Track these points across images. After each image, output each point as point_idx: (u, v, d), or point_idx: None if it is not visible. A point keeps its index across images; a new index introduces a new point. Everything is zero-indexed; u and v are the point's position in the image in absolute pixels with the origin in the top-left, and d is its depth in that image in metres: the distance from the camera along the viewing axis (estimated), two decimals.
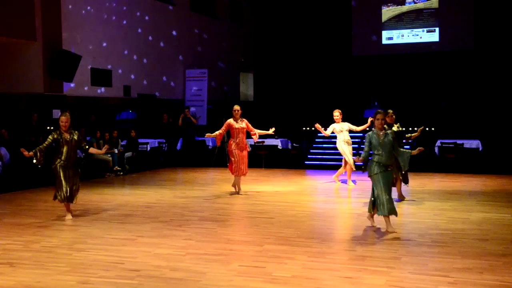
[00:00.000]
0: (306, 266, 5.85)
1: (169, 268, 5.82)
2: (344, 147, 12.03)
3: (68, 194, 8.46)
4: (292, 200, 10.19)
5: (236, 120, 10.78)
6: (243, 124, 10.80)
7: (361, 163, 7.66)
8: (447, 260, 5.98)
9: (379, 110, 7.66)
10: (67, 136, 8.45)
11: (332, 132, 12.17)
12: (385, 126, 7.63)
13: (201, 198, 10.55)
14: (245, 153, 10.83)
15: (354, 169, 11.95)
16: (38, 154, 8.31)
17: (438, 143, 15.23)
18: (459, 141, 14.91)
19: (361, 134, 14.61)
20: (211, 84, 20.49)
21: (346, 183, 12.24)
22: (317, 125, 12.16)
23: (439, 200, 9.93)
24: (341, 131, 12.02)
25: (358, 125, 12.14)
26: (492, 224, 7.82)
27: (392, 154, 7.45)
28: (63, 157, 8.46)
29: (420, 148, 7.71)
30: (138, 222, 8.21)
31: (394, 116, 9.72)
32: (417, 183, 12.35)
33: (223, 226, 8.15)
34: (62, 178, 8.44)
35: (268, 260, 6.06)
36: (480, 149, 14.94)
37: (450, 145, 14.88)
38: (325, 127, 12.33)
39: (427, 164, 14.90)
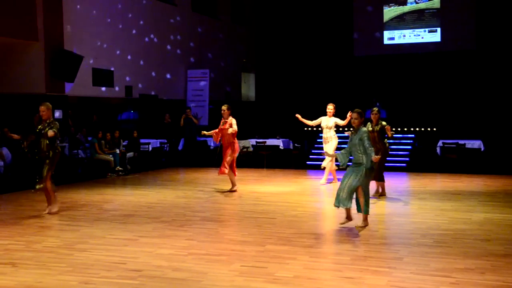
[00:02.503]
0: (308, 266, 5.84)
1: (171, 268, 5.82)
2: (323, 146, 12.31)
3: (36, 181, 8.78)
4: (293, 200, 10.18)
5: (223, 121, 10.89)
6: (227, 125, 10.87)
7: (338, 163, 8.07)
8: (449, 261, 5.97)
9: (356, 109, 7.79)
10: (44, 127, 8.77)
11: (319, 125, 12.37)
12: (368, 123, 7.75)
13: (203, 198, 10.55)
14: (226, 153, 10.88)
15: (326, 167, 12.22)
16: (25, 140, 8.99)
17: (440, 143, 15.21)
18: (461, 141, 14.89)
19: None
20: (213, 84, 20.50)
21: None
22: (298, 116, 12.40)
23: (440, 201, 9.92)
24: (323, 128, 12.17)
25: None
26: (494, 225, 7.82)
27: (359, 152, 7.53)
28: (39, 147, 8.80)
29: (376, 156, 7.56)
30: (140, 222, 8.21)
31: (378, 115, 10.07)
32: (418, 183, 12.36)
33: (224, 226, 8.15)
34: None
35: (269, 260, 6.05)
36: (482, 149, 14.92)
37: (452, 146, 14.86)
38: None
39: (429, 164, 14.90)
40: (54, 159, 8.82)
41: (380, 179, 10.08)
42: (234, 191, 11.15)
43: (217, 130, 11.10)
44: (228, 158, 10.89)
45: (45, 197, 9.04)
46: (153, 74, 18.50)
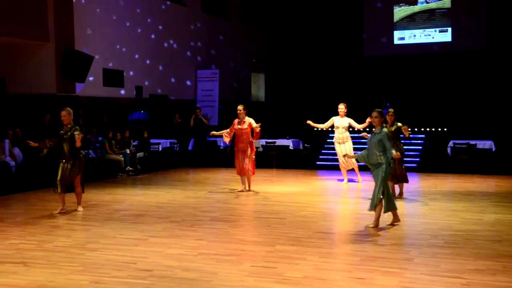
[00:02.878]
0: (318, 267, 5.84)
1: (180, 268, 5.84)
2: (336, 146, 12.27)
3: (60, 184, 8.89)
4: (303, 200, 10.17)
5: (239, 120, 10.88)
6: (245, 125, 10.88)
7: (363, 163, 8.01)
8: (460, 262, 5.94)
9: (376, 109, 7.82)
10: (65, 131, 8.92)
11: (332, 126, 12.30)
12: (384, 124, 7.78)
13: (213, 198, 10.56)
14: (246, 153, 10.88)
15: (346, 168, 12.23)
16: (43, 146, 8.95)
17: (450, 143, 15.12)
18: (472, 142, 14.80)
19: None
20: (223, 84, 20.52)
21: (353, 181, 12.33)
22: (309, 122, 12.35)
23: (451, 201, 9.87)
24: (337, 128, 12.08)
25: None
26: (505, 225, 7.76)
27: (377, 153, 7.55)
28: (61, 152, 8.91)
29: (397, 153, 7.56)
30: (150, 222, 8.24)
31: (394, 116, 10.11)
32: (429, 183, 12.30)
33: (234, 226, 8.15)
34: (59, 171, 8.89)
35: (279, 261, 6.05)
36: (493, 149, 14.82)
37: (463, 146, 14.78)
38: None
39: (440, 165, 14.83)
40: (81, 166, 9.07)
41: (403, 180, 10.06)
42: (244, 191, 11.16)
43: (228, 130, 11.08)
44: (251, 164, 10.96)
45: (60, 198, 9.16)
46: (163, 74, 18.55)
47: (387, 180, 7.69)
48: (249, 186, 11.22)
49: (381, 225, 7.69)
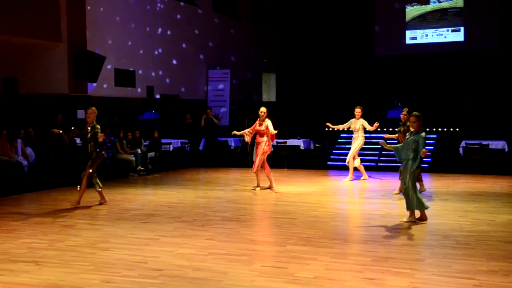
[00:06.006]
0: (329, 267, 5.82)
1: (191, 268, 5.84)
2: (352, 142, 12.59)
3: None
4: (314, 200, 10.15)
5: (259, 122, 11.13)
6: (263, 127, 11.20)
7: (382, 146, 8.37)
8: (472, 262, 5.90)
9: (414, 112, 8.05)
10: (88, 130, 9.38)
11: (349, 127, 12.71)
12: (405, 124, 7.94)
13: (223, 198, 10.57)
14: (259, 151, 11.21)
15: (355, 165, 12.54)
16: (65, 135, 9.46)
17: (463, 143, 15.03)
18: (484, 142, 14.70)
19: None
20: (234, 84, 20.53)
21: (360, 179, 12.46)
22: (329, 124, 12.77)
23: (463, 202, 9.80)
24: (356, 130, 12.48)
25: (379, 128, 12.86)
26: None
27: (409, 151, 7.82)
28: (86, 149, 9.42)
29: (424, 150, 7.72)
30: (161, 222, 8.26)
31: (407, 115, 10.27)
32: (441, 184, 12.23)
33: (245, 226, 8.15)
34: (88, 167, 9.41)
35: (290, 261, 6.04)
36: (506, 150, 14.71)
37: (475, 146, 14.68)
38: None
39: (452, 165, 14.74)
40: (95, 160, 9.48)
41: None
42: (260, 188, 11.40)
43: (249, 129, 11.43)
44: (260, 162, 11.24)
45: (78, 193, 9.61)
46: (175, 74, 18.59)
47: (414, 177, 7.85)
48: (258, 184, 11.50)
49: (390, 224, 7.66)
